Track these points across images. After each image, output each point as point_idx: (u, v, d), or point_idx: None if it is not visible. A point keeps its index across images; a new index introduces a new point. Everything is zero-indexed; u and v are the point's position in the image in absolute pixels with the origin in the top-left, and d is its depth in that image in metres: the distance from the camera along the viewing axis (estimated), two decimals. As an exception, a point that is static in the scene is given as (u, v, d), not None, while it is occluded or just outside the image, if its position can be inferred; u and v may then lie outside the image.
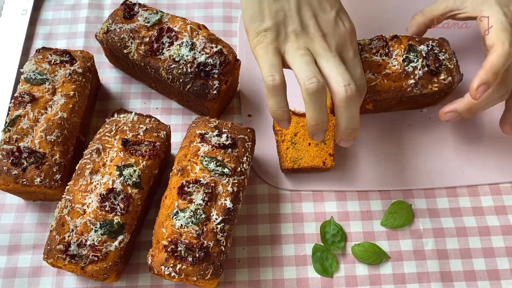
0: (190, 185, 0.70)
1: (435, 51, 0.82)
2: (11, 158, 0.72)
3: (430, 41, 0.83)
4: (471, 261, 0.79)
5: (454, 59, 0.83)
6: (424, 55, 0.81)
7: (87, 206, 0.69)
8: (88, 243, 0.67)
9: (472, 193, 0.85)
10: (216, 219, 0.68)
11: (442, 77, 0.81)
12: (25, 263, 0.76)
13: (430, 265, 0.78)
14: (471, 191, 0.85)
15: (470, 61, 0.92)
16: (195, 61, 0.79)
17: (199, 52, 0.79)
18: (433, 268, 0.78)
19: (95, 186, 0.70)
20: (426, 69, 0.81)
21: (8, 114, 0.87)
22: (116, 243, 0.67)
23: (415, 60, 0.80)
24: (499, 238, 0.81)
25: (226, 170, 0.71)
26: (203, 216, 0.68)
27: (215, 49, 0.80)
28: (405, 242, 0.80)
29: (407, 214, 0.81)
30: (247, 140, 0.76)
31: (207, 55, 0.79)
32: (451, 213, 0.83)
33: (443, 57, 0.82)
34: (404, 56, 0.81)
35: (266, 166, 0.85)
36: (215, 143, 0.73)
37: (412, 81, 0.80)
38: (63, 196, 0.70)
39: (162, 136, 0.76)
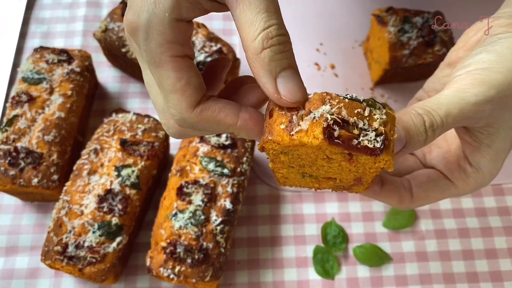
0: (189, 186, 0.69)
1: (430, 23, 0.84)
2: (8, 159, 0.72)
3: (426, 13, 0.85)
4: (474, 263, 0.78)
5: (449, 31, 0.85)
6: (419, 26, 0.83)
7: (85, 207, 0.68)
8: (86, 244, 0.66)
9: (475, 194, 0.84)
10: (216, 220, 0.67)
11: (436, 48, 0.83)
12: (23, 264, 0.75)
13: (432, 266, 0.77)
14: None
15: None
16: (194, 60, 0.78)
17: (198, 51, 0.78)
18: (435, 269, 0.77)
19: (93, 187, 0.69)
20: (420, 40, 0.83)
21: (1, 113, 0.86)
22: (114, 244, 0.67)
23: (410, 30, 0.83)
24: (501, 240, 0.80)
25: (225, 170, 0.71)
26: (203, 217, 0.67)
27: (214, 48, 0.79)
28: (407, 243, 0.79)
29: (409, 215, 0.80)
30: (247, 140, 0.75)
31: (207, 54, 0.78)
32: (454, 214, 0.82)
33: (438, 29, 0.84)
34: (399, 27, 0.83)
35: (266, 166, 0.85)
36: (215, 143, 0.73)
37: (406, 51, 0.82)
38: (60, 197, 0.70)
39: (161, 136, 0.75)
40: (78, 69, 0.80)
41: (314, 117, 0.37)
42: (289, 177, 0.47)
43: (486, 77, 0.43)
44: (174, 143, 0.84)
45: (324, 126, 0.37)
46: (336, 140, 0.37)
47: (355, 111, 0.37)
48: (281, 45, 0.37)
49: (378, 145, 0.37)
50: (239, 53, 0.94)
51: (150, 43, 0.38)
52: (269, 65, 0.36)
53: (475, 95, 0.42)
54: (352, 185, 0.46)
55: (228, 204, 0.69)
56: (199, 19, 0.97)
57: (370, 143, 0.37)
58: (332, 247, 0.78)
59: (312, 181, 0.47)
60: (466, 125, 0.46)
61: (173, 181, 0.71)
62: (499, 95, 0.43)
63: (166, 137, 0.77)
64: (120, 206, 0.68)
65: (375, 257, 0.77)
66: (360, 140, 0.37)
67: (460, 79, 0.45)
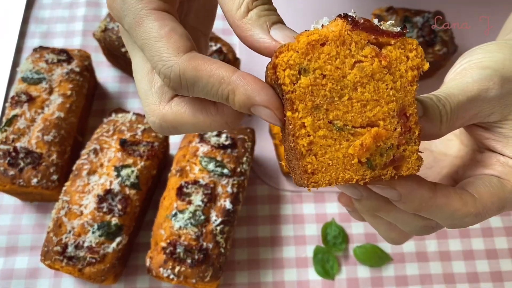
0: (189, 186, 0.69)
1: (431, 23, 0.84)
2: (8, 159, 0.72)
3: (426, 13, 0.85)
4: (474, 263, 0.78)
5: (449, 31, 0.85)
6: (420, 26, 0.83)
7: (85, 207, 0.68)
8: (86, 244, 0.66)
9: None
10: (216, 220, 0.67)
11: (437, 48, 0.83)
12: (22, 264, 0.75)
13: (432, 267, 0.77)
14: (474, 191, 0.84)
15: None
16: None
17: (198, 51, 0.78)
18: (435, 270, 0.77)
19: (92, 187, 0.69)
20: (421, 39, 0.83)
21: (0, 113, 0.86)
22: (114, 244, 0.67)
23: (410, 30, 0.83)
24: (502, 240, 0.80)
25: (225, 170, 0.70)
26: (202, 217, 0.67)
27: (214, 48, 0.79)
28: (407, 243, 0.79)
29: (409, 215, 0.80)
30: (247, 140, 0.75)
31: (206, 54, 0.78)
32: (454, 214, 0.82)
33: (438, 28, 0.84)
34: (400, 26, 0.83)
35: (266, 166, 0.84)
36: (215, 143, 0.72)
37: None
38: (60, 197, 0.70)
39: (161, 136, 0.75)
40: (77, 69, 0.80)
41: (325, 20, 0.36)
42: (316, 144, 0.36)
43: (479, 64, 0.43)
44: (174, 143, 0.84)
45: (342, 15, 0.35)
46: (358, 24, 0.35)
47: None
48: (266, 4, 0.36)
49: (397, 30, 0.36)
50: (239, 53, 0.94)
51: (130, 4, 0.36)
52: (259, 21, 0.35)
53: (471, 77, 0.42)
54: (400, 139, 0.38)
55: (228, 204, 0.68)
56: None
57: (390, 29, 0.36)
58: (332, 247, 0.78)
59: (352, 149, 0.36)
60: (480, 120, 0.44)
61: (173, 181, 0.70)
62: (497, 73, 0.42)
63: (166, 137, 0.77)
64: (119, 206, 0.68)
65: (375, 257, 0.77)
66: (381, 25, 0.36)
67: (453, 75, 0.45)
